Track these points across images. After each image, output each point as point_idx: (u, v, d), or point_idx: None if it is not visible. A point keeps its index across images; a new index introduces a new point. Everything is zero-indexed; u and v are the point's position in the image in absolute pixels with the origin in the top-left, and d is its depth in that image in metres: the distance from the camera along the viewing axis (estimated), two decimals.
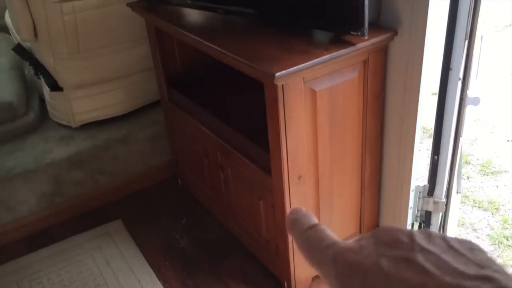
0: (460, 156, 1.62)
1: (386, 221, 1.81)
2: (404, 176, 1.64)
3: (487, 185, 2.32)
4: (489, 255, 0.28)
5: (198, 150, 1.94)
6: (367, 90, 1.49)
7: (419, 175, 2.07)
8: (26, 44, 2.25)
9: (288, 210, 1.50)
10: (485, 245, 1.99)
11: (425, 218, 1.71)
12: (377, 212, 1.81)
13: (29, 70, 2.43)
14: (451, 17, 1.35)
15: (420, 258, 0.28)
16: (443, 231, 1.72)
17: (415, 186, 1.66)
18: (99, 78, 2.18)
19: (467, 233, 2.06)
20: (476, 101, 1.43)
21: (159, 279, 1.85)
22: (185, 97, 1.91)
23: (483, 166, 2.44)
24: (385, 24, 1.46)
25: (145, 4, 1.83)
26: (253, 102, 1.73)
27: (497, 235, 2.03)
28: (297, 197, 1.50)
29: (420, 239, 0.29)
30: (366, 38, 1.28)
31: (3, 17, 2.71)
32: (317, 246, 0.33)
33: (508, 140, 2.62)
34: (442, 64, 1.42)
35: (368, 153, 1.62)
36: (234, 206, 1.86)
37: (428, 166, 1.63)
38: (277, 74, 1.24)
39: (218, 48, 1.43)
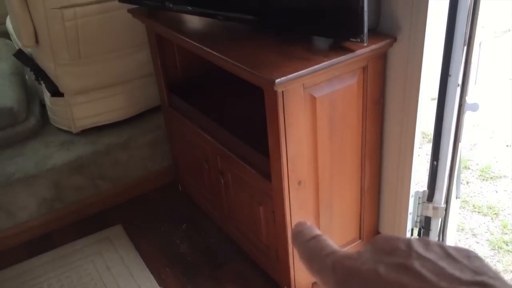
0: (460, 161, 1.63)
1: (386, 226, 1.82)
2: (404, 181, 1.64)
3: (487, 190, 2.33)
4: (485, 262, 0.29)
5: (198, 155, 1.94)
6: (366, 96, 1.50)
7: (419, 180, 2.07)
8: (27, 50, 2.26)
9: (288, 215, 1.51)
10: (485, 250, 2.00)
11: (425, 224, 1.72)
12: (377, 217, 1.81)
13: (29, 76, 2.44)
14: (449, 23, 1.36)
15: (417, 264, 0.29)
16: (442, 236, 1.73)
17: (415, 192, 1.67)
18: (99, 83, 2.19)
19: (467, 238, 2.06)
20: (475, 107, 1.44)
21: (159, 285, 1.86)
22: (186, 102, 1.92)
23: (482, 171, 2.44)
24: (384, 31, 1.46)
25: (145, 10, 1.84)
26: (253, 108, 1.73)
27: (497, 240, 2.03)
28: (297, 203, 1.50)
29: (418, 247, 0.30)
30: (365, 44, 1.28)
31: (4, 23, 2.73)
32: (317, 255, 0.34)
33: (507, 145, 2.63)
34: (441, 71, 1.43)
35: (367, 158, 1.63)
36: (234, 212, 1.86)
37: (428, 172, 1.64)
38: (277, 80, 1.24)
39: (218, 54, 1.43)
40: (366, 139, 1.58)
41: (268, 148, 1.44)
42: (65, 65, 2.08)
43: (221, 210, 1.96)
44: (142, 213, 2.24)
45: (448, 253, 0.29)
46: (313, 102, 1.38)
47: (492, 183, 2.37)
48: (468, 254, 0.29)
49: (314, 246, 0.35)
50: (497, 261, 1.94)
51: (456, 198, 1.73)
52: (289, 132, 1.37)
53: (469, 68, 1.41)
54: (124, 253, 2.00)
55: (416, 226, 1.74)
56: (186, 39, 1.59)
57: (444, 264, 0.28)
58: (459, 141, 1.53)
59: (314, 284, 1.73)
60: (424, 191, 1.67)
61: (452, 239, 1.85)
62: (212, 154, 1.82)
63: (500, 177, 2.40)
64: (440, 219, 1.69)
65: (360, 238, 1.80)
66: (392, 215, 1.76)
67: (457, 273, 0.28)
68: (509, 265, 1.93)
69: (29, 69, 2.28)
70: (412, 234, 1.77)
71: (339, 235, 1.73)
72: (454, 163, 1.57)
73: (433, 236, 1.72)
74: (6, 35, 2.71)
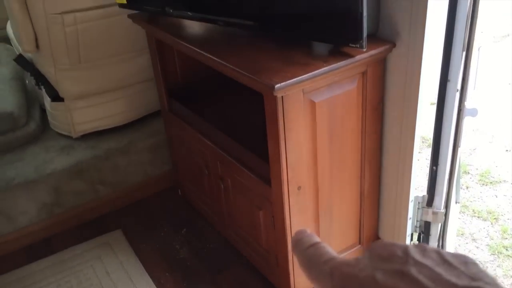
0: (459, 166, 1.63)
1: (386, 231, 1.82)
2: (403, 186, 1.65)
3: (486, 195, 2.33)
4: (482, 268, 0.29)
5: (198, 160, 1.95)
6: (366, 101, 1.50)
7: (419, 184, 2.07)
8: (28, 55, 2.27)
9: (287, 220, 1.51)
10: (485, 255, 1.99)
11: (425, 229, 1.72)
12: (377, 222, 1.81)
13: (30, 81, 2.45)
14: (448, 29, 1.37)
15: (413, 271, 0.29)
16: (442, 241, 1.73)
17: (414, 197, 1.67)
18: (99, 88, 2.19)
19: (467, 243, 2.06)
20: (474, 112, 1.44)
21: None
22: (185, 107, 1.92)
23: (482, 176, 2.44)
24: (383, 36, 1.47)
25: (146, 15, 1.85)
26: (253, 113, 1.74)
27: (497, 245, 2.03)
28: (297, 208, 1.51)
29: (415, 253, 0.30)
30: (364, 50, 1.29)
31: (4, 28, 2.73)
32: (316, 262, 0.34)
33: (507, 150, 2.63)
34: (440, 76, 1.43)
35: (367, 163, 1.63)
36: (234, 216, 1.86)
37: (427, 176, 1.64)
38: (277, 85, 1.25)
39: (218, 60, 1.44)
40: (366, 144, 1.59)
41: (268, 153, 1.44)
42: (65, 70, 2.09)
43: (221, 215, 1.96)
44: (142, 218, 2.24)
45: (445, 259, 0.30)
46: (312, 107, 1.39)
47: (491, 188, 2.37)
48: (465, 260, 0.30)
49: (313, 253, 0.35)
50: (497, 266, 1.94)
51: (456, 203, 1.73)
52: (288, 137, 1.37)
53: (468, 73, 1.41)
54: (124, 258, 2.00)
55: (415, 231, 1.74)
56: (186, 44, 1.59)
57: (440, 270, 0.29)
58: (458, 146, 1.53)
59: None
60: (423, 196, 1.67)
61: (452, 244, 1.85)
62: (212, 159, 1.82)
63: (500, 181, 2.40)
64: (439, 224, 1.69)
65: (359, 243, 1.80)
66: (391, 220, 1.76)
67: (453, 279, 0.28)
68: (509, 270, 1.92)
69: (29, 74, 2.28)
70: (411, 239, 1.77)
71: (338, 240, 1.73)
72: (454, 168, 1.57)
73: (433, 241, 1.72)
74: (6, 40, 2.72)
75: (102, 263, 1.98)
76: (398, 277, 0.29)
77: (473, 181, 2.43)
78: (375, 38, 1.46)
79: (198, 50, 1.53)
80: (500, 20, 3.99)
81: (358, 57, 1.36)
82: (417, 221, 1.71)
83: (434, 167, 1.58)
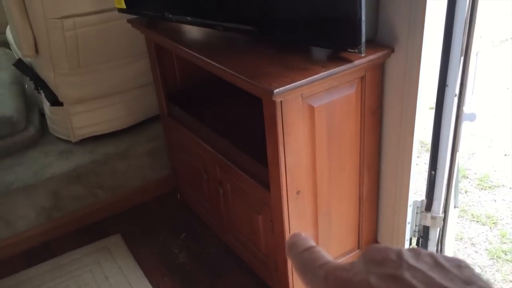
0: (457, 171, 1.63)
1: (384, 236, 1.82)
2: (402, 191, 1.65)
3: (485, 200, 2.33)
4: (476, 272, 0.29)
5: (197, 165, 1.95)
6: (364, 105, 1.51)
7: (418, 189, 2.07)
8: (27, 60, 2.27)
9: (286, 225, 1.51)
10: (484, 259, 2.00)
11: (423, 233, 1.72)
12: (375, 227, 1.81)
13: (29, 85, 2.45)
14: (446, 34, 1.37)
15: (407, 275, 0.29)
16: (441, 245, 1.73)
17: (413, 201, 1.67)
18: (99, 93, 2.20)
19: (466, 247, 2.06)
20: (472, 117, 1.45)
21: None
22: (184, 112, 1.92)
23: (481, 180, 2.45)
24: (381, 41, 1.48)
25: (145, 20, 1.86)
26: (252, 118, 1.74)
27: (495, 250, 2.03)
28: (296, 212, 1.51)
29: (408, 257, 0.30)
30: (363, 55, 1.29)
31: (4, 33, 2.74)
32: (311, 266, 0.34)
33: (505, 154, 2.63)
34: (438, 81, 1.44)
35: (365, 168, 1.63)
36: (233, 221, 1.86)
37: (426, 181, 1.64)
38: (276, 90, 1.25)
39: (217, 65, 1.44)
40: (364, 149, 1.59)
41: (267, 157, 1.44)
42: (64, 74, 2.09)
43: (220, 219, 1.96)
44: (140, 222, 2.24)
45: (438, 263, 0.30)
46: (311, 111, 1.39)
47: (490, 192, 2.37)
48: (459, 264, 0.30)
49: (308, 257, 0.35)
50: (496, 271, 1.94)
51: (455, 207, 1.73)
52: (287, 142, 1.37)
53: (466, 78, 1.42)
54: (123, 262, 2.00)
55: (414, 236, 1.74)
56: (185, 49, 1.60)
57: (434, 274, 0.29)
58: (457, 151, 1.54)
59: None
60: (422, 200, 1.67)
61: (450, 249, 1.85)
62: (211, 163, 1.83)
63: (499, 186, 2.40)
64: (438, 229, 1.69)
65: (358, 248, 1.80)
66: (390, 224, 1.76)
67: (447, 283, 0.28)
68: (508, 274, 1.92)
69: (28, 78, 2.29)
70: (410, 244, 1.77)
71: (337, 244, 1.73)
72: (452, 173, 1.58)
73: (432, 246, 1.72)
74: (6, 44, 2.73)
75: (101, 268, 1.98)
76: (392, 281, 0.29)
77: (472, 185, 2.43)
78: (373, 43, 1.47)
79: (197, 55, 1.53)
80: (498, 25, 4.01)
81: (356, 62, 1.36)
82: (416, 225, 1.71)
83: (433, 172, 1.58)
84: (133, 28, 1.90)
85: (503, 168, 2.53)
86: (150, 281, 1.91)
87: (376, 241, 1.84)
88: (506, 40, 3.93)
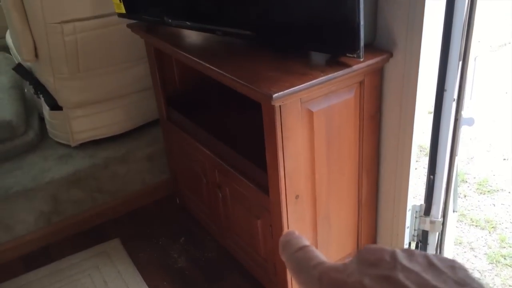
0: (456, 175, 1.63)
1: (383, 240, 1.82)
2: (401, 195, 1.65)
3: (484, 204, 2.33)
4: (470, 273, 0.30)
5: (197, 169, 1.95)
6: (363, 110, 1.51)
7: (417, 193, 2.08)
8: (27, 64, 2.28)
9: (285, 229, 1.51)
10: (483, 264, 2.00)
11: (422, 238, 1.72)
12: (375, 231, 1.81)
13: (29, 89, 2.45)
14: (445, 39, 1.38)
15: (401, 276, 0.29)
16: (440, 250, 1.73)
17: (412, 206, 1.67)
18: (98, 97, 2.20)
19: (465, 252, 2.06)
20: (470, 122, 1.45)
21: None
22: (184, 116, 1.93)
23: (480, 185, 2.45)
24: (380, 46, 1.48)
25: (144, 25, 1.86)
26: (251, 122, 1.74)
27: (495, 254, 2.03)
28: (295, 217, 1.51)
29: (402, 258, 0.30)
30: (361, 60, 1.30)
31: (4, 37, 2.75)
32: (305, 266, 0.34)
33: (504, 159, 2.64)
34: (436, 86, 1.44)
35: (364, 172, 1.63)
36: (232, 225, 1.86)
37: (425, 185, 1.64)
38: (275, 95, 1.25)
39: (217, 69, 1.45)
40: (363, 153, 1.59)
41: (266, 162, 1.45)
42: (64, 79, 2.09)
43: (219, 223, 1.96)
44: (140, 226, 2.24)
45: (432, 264, 0.30)
46: (310, 116, 1.40)
47: (489, 197, 2.37)
48: (453, 265, 0.30)
49: (301, 256, 0.35)
50: (495, 275, 1.94)
51: (454, 211, 1.73)
52: (286, 146, 1.38)
53: (465, 82, 1.42)
54: (122, 267, 2.00)
55: (413, 240, 1.74)
56: (185, 54, 1.60)
57: (428, 276, 0.29)
58: (455, 155, 1.54)
59: None
60: (421, 204, 1.67)
61: (450, 253, 1.85)
62: (210, 167, 1.83)
63: (498, 190, 2.41)
64: (437, 233, 1.69)
65: None
66: (389, 229, 1.76)
67: (440, 285, 0.28)
68: (507, 279, 1.92)
69: (28, 83, 2.29)
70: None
71: (336, 249, 1.73)
72: (451, 177, 1.58)
73: (431, 250, 1.72)
74: (5, 49, 2.73)
75: (100, 272, 1.98)
76: (386, 282, 0.29)
77: (471, 190, 2.43)
78: (372, 48, 1.47)
79: (197, 60, 1.54)
80: (497, 30, 4.02)
81: (355, 66, 1.37)
82: (414, 230, 1.71)
83: (431, 176, 1.58)
84: (133, 33, 1.91)
85: (502, 172, 2.53)
86: (149, 286, 1.90)
87: None
88: (505, 44, 3.94)
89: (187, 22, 1.64)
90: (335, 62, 1.38)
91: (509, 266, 1.98)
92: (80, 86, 2.13)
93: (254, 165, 1.56)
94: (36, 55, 2.09)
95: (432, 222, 1.66)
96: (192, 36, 1.76)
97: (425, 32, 1.37)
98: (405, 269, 0.30)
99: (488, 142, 2.77)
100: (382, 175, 1.69)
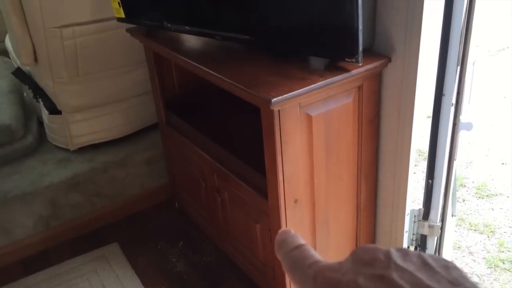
0: (455, 179, 1.64)
1: (382, 244, 1.81)
2: (399, 199, 1.65)
3: (483, 208, 2.33)
4: (464, 273, 0.30)
5: (195, 173, 1.95)
6: (361, 114, 1.52)
7: (416, 197, 2.08)
8: (26, 68, 2.28)
9: None
10: (482, 268, 2.00)
11: (421, 242, 1.72)
12: (373, 235, 1.82)
13: (28, 93, 2.46)
14: (443, 44, 1.38)
15: (395, 275, 0.29)
16: (438, 254, 1.73)
17: (410, 210, 1.67)
18: (97, 101, 2.20)
19: (463, 256, 2.06)
20: (469, 126, 1.46)
21: None
22: (183, 120, 1.93)
23: (478, 189, 2.45)
24: (379, 51, 1.49)
25: (144, 29, 1.87)
26: (250, 126, 1.75)
27: (493, 259, 2.03)
28: (294, 221, 1.51)
29: (396, 258, 0.31)
30: (360, 64, 1.30)
31: (3, 41, 2.75)
32: (300, 265, 0.35)
33: (503, 163, 2.64)
34: (435, 90, 1.45)
35: (363, 176, 1.64)
36: (231, 229, 1.86)
37: (423, 189, 1.65)
38: (274, 99, 1.26)
39: (216, 74, 1.45)
40: (362, 157, 1.60)
41: (265, 166, 1.45)
42: (63, 83, 2.10)
43: (218, 227, 1.96)
44: (138, 230, 2.24)
45: (426, 263, 0.30)
46: (309, 120, 1.40)
47: (488, 201, 2.38)
48: (447, 264, 0.30)
49: (297, 256, 0.35)
50: (494, 279, 1.94)
51: (452, 216, 1.74)
52: (285, 151, 1.38)
53: (463, 87, 1.43)
54: (120, 271, 1.99)
55: (412, 244, 1.74)
56: (184, 58, 1.60)
57: (421, 275, 0.29)
58: (454, 160, 1.54)
59: None
60: (420, 209, 1.67)
61: (448, 257, 1.85)
62: (209, 172, 1.83)
63: (496, 195, 2.41)
64: (436, 237, 1.69)
65: None
66: (388, 233, 1.76)
67: (434, 284, 0.28)
68: (506, 283, 1.92)
69: (27, 87, 2.29)
70: None
71: (335, 253, 1.73)
72: (449, 181, 1.58)
73: None
74: (5, 53, 2.74)
75: (98, 277, 1.98)
76: (380, 281, 0.29)
77: (469, 194, 2.43)
78: (370, 52, 1.48)
79: (196, 64, 1.54)
80: (496, 34, 4.03)
81: (354, 71, 1.37)
82: (413, 234, 1.71)
83: (430, 181, 1.59)
84: (132, 37, 1.91)
85: (500, 176, 2.53)
86: None
87: None
88: (503, 49, 3.95)
89: (186, 27, 1.65)
90: (334, 67, 1.39)
91: (507, 270, 1.98)
92: (79, 90, 2.13)
93: (253, 170, 1.56)
94: (35, 59, 2.09)
95: (430, 227, 1.66)
96: (191, 41, 1.76)
97: (423, 37, 1.37)
98: (399, 268, 0.30)
99: (487, 146, 2.77)
100: (381, 179, 1.70)
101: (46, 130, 2.34)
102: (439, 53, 1.40)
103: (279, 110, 1.31)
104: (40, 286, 1.95)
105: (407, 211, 1.66)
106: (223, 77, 1.42)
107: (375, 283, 0.29)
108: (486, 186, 2.47)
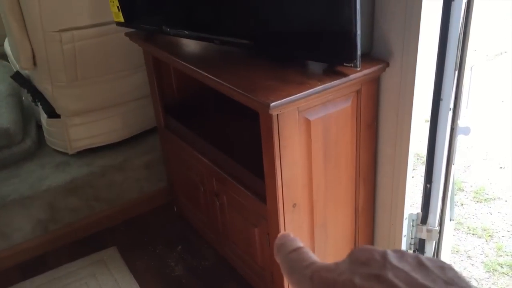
0: (453, 184, 1.64)
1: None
2: (398, 204, 1.65)
3: (481, 212, 2.34)
4: (459, 274, 0.30)
5: (194, 177, 1.95)
6: (360, 119, 1.52)
7: (414, 201, 2.08)
8: (25, 72, 2.28)
9: None
10: (480, 272, 2.00)
11: (419, 246, 1.72)
12: (372, 240, 1.82)
13: (26, 97, 2.46)
14: (441, 48, 1.39)
15: (390, 275, 0.30)
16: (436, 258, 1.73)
17: (409, 214, 1.67)
18: (96, 105, 2.20)
19: (462, 260, 2.07)
20: (466, 131, 1.46)
21: None
22: (182, 124, 1.93)
23: (476, 193, 2.46)
24: (377, 56, 1.49)
25: (143, 34, 1.87)
26: (248, 130, 1.75)
27: (492, 263, 2.04)
28: (292, 225, 1.51)
29: (392, 258, 0.31)
30: (358, 69, 1.31)
31: (2, 45, 2.75)
32: (297, 266, 0.35)
33: (501, 167, 2.64)
34: (432, 95, 1.45)
35: (361, 181, 1.64)
36: (229, 233, 1.86)
37: (422, 193, 1.65)
38: (272, 104, 1.26)
39: (215, 78, 1.45)
40: (360, 161, 1.60)
41: (263, 170, 1.45)
42: (62, 87, 2.10)
43: (216, 232, 1.96)
44: (137, 234, 2.23)
45: (422, 263, 0.31)
46: (307, 125, 1.40)
47: (486, 205, 2.38)
48: (442, 265, 0.30)
49: (295, 257, 0.36)
50: (492, 284, 1.94)
51: (450, 220, 1.74)
52: (284, 155, 1.38)
53: (461, 92, 1.43)
54: (119, 275, 1.99)
55: (410, 249, 1.74)
56: (183, 62, 1.61)
57: (417, 275, 0.29)
58: (452, 164, 1.55)
59: None
60: (418, 213, 1.68)
61: (446, 261, 1.85)
62: (208, 176, 1.83)
63: (494, 199, 2.41)
64: (434, 242, 1.69)
65: None
66: (386, 237, 1.76)
67: (428, 283, 0.29)
68: (505, 287, 1.93)
69: (26, 90, 2.29)
70: None
71: (333, 257, 1.73)
72: (448, 186, 1.58)
73: None
74: (3, 56, 2.74)
75: (96, 281, 1.97)
76: (376, 280, 0.30)
77: (467, 198, 2.44)
78: (369, 57, 1.48)
79: (195, 69, 1.54)
80: (494, 39, 4.04)
81: (352, 76, 1.37)
82: (411, 238, 1.72)
83: (428, 185, 1.59)
84: (131, 42, 1.92)
85: (498, 180, 2.54)
86: None
87: None
88: (501, 53, 3.96)
89: (185, 31, 1.65)
90: (332, 71, 1.39)
91: (506, 274, 1.98)
92: (78, 94, 2.14)
93: (252, 174, 1.57)
94: (34, 63, 2.09)
95: (429, 231, 1.66)
96: (190, 45, 1.77)
97: (421, 41, 1.38)
98: (394, 268, 0.30)
99: (485, 150, 2.78)
100: (379, 183, 1.70)
101: (45, 134, 2.34)
102: (437, 58, 1.41)
103: (277, 115, 1.31)
104: None
105: (405, 215, 1.66)
106: (222, 81, 1.42)
107: (371, 282, 0.30)
108: (484, 190, 2.47)
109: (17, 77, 2.29)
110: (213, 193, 1.83)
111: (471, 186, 2.51)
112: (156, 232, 2.24)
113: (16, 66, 2.33)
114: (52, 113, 2.21)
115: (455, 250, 2.11)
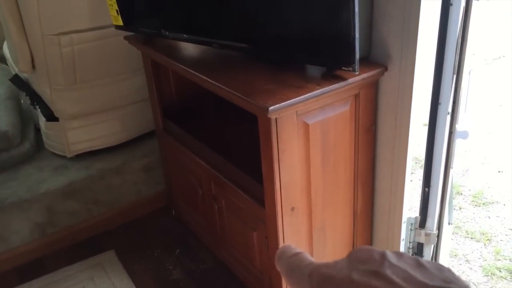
0: (451, 188, 1.64)
1: None
2: (396, 207, 1.66)
3: (479, 216, 2.34)
4: (457, 275, 0.30)
5: (192, 181, 1.95)
6: (358, 123, 1.52)
7: (412, 205, 2.08)
8: (23, 75, 2.28)
9: (281, 241, 1.51)
10: (478, 276, 2.00)
11: (417, 250, 1.72)
12: (370, 243, 1.82)
13: (25, 100, 2.46)
14: (439, 53, 1.39)
15: (388, 272, 0.30)
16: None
17: (407, 218, 1.67)
18: (95, 108, 2.20)
19: (460, 264, 2.07)
20: (465, 135, 1.46)
21: None
22: (180, 127, 1.93)
23: (475, 197, 2.46)
24: (375, 60, 1.49)
25: (141, 37, 1.87)
26: (247, 134, 1.75)
27: (490, 267, 2.04)
28: (290, 229, 1.51)
29: (391, 257, 0.32)
30: (357, 73, 1.31)
31: (1, 48, 2.76)
32: (297, 266, 0.36)
33: (499, 171, 2.65)
34: (431, 99, 1.45)
35: (360, 184, 1.64)
36: (228, 237, 1.86)
37: (420, 197, 1.65)
38: (271, 108, 1.26)
39: (213, 82, 1.46)
40: (359, 165, 1.60)
41: (262, 174, 1.45)
42: (60, 90, 2.10)
43: (215, 235, 1.95)
44: (135, 238, 2.23)
45: (420, 264, 0.31)
46: (306, 129, 1.40)
47: (484, 209, 2.38)
48: (441, 267, 0.31)
49: (295, 260, 0.37)
50: (490, 287, 1.94)
51: (449, 224, 1.74)
52: (282, 159, 1.38)
53: (459, 96, 1.43)
54: (117, 279, 1.99)
55: (408, 252, 1.75)
56: (182, 66, 1.61)
57: (415, 273, 0.30)
58: (450, 168, 1.55)
59: None
60: (416, 217, 1.68)
61: (445, 265, 1.85)
62: (206, 179, 1.83)
63: (493, 202, 2.41)
64: (432, 245, 1.69)
65: None
66: (384, 241, 1.76)
67: (426, 280, 0.29)
68: None
69: (24, 93, 2.29)
70: None
71: (332, 260, 1.73)
72: (446, 190, 1.59)
73: None
74: (2, 59, 2.74)
75: (94, 284, 1.97)
76: (374, 277, 0.30)
77: (466, 202, 2.44)
78: (367, 61, 1.48)
79: (194, 72, 1.55)
80: (492, 43, 4.06)
81: (350, 80, 1.38)
82: (410, 242, 1.72)
83: (426, 189, 1.59)
84: (130, 45, 1.92)
85: (497, 184, 2.54)
86: None
87: None
88: (499, 57, 3.97)
89: (184, 35, 1.65)
90: (331, 75, 1.39)
91: (504, 278, 1.98)
92: (76, 97, 2.14)
93: (250, 177, 1.57)
94: (33, 66, 2.09)
95: (427, 235, 1.66)
96: (189, 49, 1.77)
97: (419, 45, 1.38)
98: (393, 266, 0.31)
99: (483, 154, 2.78)
100: (378, 187, 1.70)
101: (43, 137, 2.34)
102: (435, 62, 1.41)
103: (276, 118, 1.31)
104: None
105: (404, 219, 1.66)
106: (220, 85, 1.43)
107: (369, 278, 0.30)
108: (482, 194, 2.47)
109: (16, 80, 2.29)
110: (211, 196, 1.83)
111: (470, 190, 2.51)
112: (154, 235, 2.24)
113: (14, 69, 2.33)
114: (51, 116, 2.20)
115: (453, 254, 2.10)
